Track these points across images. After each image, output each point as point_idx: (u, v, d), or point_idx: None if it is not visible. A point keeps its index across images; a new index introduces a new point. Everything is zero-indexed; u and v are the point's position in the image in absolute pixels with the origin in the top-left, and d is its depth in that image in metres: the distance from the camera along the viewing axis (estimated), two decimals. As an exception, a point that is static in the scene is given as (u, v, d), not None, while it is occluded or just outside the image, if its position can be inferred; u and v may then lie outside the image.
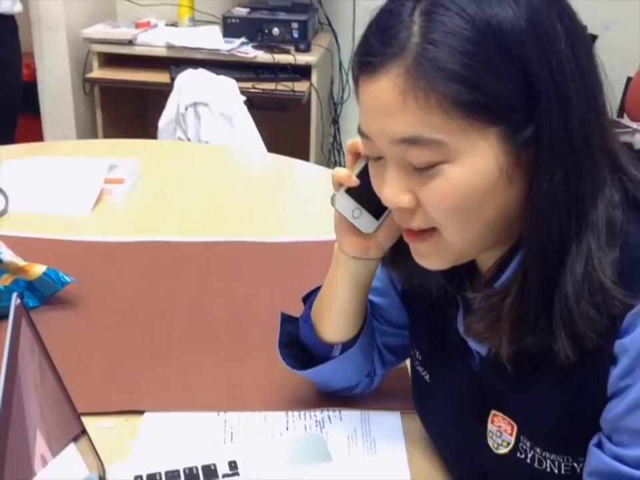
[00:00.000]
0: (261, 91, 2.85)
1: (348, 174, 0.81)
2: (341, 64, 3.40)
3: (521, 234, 0.70)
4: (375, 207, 0.81)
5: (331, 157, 3.54)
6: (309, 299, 0.97)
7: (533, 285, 0.68)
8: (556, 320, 0.67)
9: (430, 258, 0.73)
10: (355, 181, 0.80)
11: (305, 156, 2.99)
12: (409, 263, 0.78)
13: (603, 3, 3.17)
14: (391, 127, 0.66)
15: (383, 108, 0.66)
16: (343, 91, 3.45)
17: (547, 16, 0.64)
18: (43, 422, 0.72)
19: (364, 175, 0.78)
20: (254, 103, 3.07)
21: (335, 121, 3.50)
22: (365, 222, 0.83)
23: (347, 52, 3.36)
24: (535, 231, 0.67)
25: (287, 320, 0.98)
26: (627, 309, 0.65)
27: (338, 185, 0.82)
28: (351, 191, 0.82)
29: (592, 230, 0.67)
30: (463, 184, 0.66)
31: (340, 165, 3.42)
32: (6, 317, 0.71)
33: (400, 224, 0.73)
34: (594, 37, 3.28)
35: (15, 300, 0.74)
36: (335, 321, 0.92)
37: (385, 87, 0.65)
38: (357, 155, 0.82)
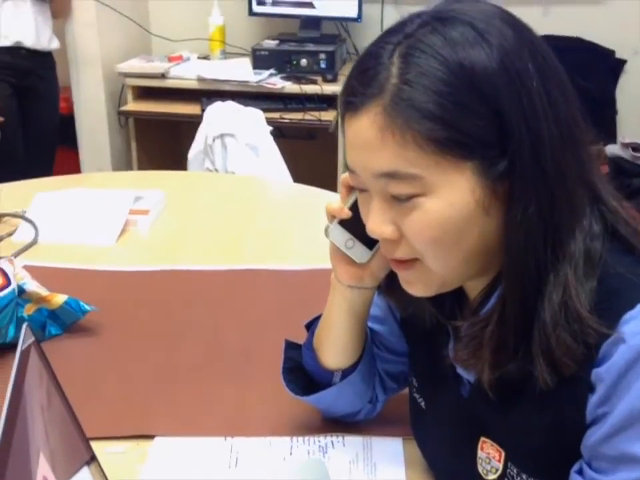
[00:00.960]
0: (288, 120, 2.91)
1: (340, 206, 0.84)
2: (369, 93, 3.43)
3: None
4: (368, 238, 0.84)
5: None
6: (312, 326, 1.00)
7: (512, 314, 0.70)
8: (535, 347, 0.69)
9: (415, 285, 0.76)
10: (347, 213, 0.84)
11: (333, 184, 3.03)
12: (402, 291, 0.80)
13: (633, 28, 3.17)
14: (371, 162, 0.69)
15: (364, 144, 0.69)
16: (372, 119, 3.48)
17: (518, 56, 0.67)
18: (47, 446, 0.76)
19: (356, 207, 0.82)
20: (284, 132, 3.14)
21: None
22: (359, 252, 0.86)
23: (375, 81, 3.39)
24: (511, 261, 0.70)
25: (290, 347, 1.02)
26: (603, 338, 0.67)
27: (331, 217, 0.86)
28: (344, 223, 0.85)
29: (569, 260, 0.69)
30: (440, 216, 0.68)
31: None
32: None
33: (386, 255, 0.76)
34: (623, 62, 3.28)
35: (24, 328, 0.79)
36: (334, 348, 0.95)
37: (365, 124, 0.68)
38: (350, 188, 0.85)
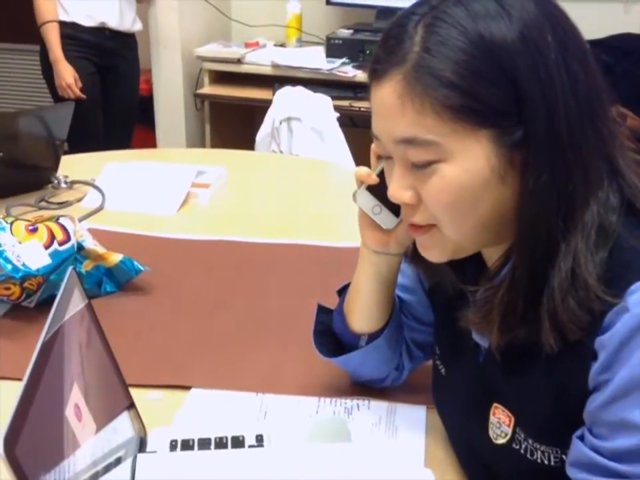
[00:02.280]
0: (357, 109, 2.94)
1: (368, 172, 0.88)
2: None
3: None
4: (395, 205, 0.87)
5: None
6: (343, 292, 1.04)
7: (521, 280, 0.73)
8: (542, 312, 0.72)
9: (431, 250, 0.79)
10: (374, 179, 0.87)
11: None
12: (427, 260, 0.83)
13: None
14: (392, 129, 0.73)
15: (385, 111, 0.73)
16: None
17: (538, 29, 0.69)
18: (82, 379, 0.82)
19: (384, 174, 0.85)
20: (355, 122, 3.17)
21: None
22: (385, 218, 0.89)
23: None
24: (522, 229, 0.72)
25: (322, 311, 1.06)
26: (608, 307, 0.68)
27: (360, 182, 0.89)
28: (372, 189, 0.88)
29: (581, 230, 0.71)
30: (456, 182, 0.71)
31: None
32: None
33: (405, 219, 0.79)
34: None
35: (69, 271, 0.85)
36: (361, 312, 0.98)
37: (387, 92, 0.72)
38: (379, 157, 0.88)
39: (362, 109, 2.95)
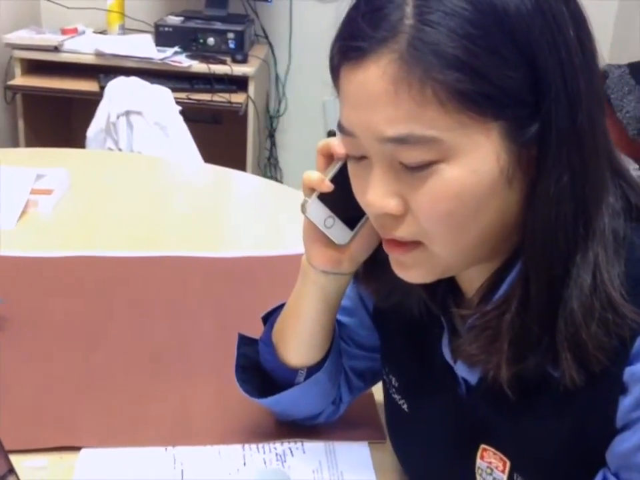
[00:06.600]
0: (195, 101, 2.74)
1: (321, 178, 0.72)
2: (277, 77, 3.32)
3: (518, 244, 0.63)
4: (349, 215, 0.73)
5: (267, 171, 3.45)
6: (269, 318, 0.88)
7: (536, 299, 0.61)
8: (560, 339, 0.60)
9: (413, 270, 0.65)
10: (329, 186, 0.72)
11: (241, 170, 2.89)
12: (386, 278, 0.70)
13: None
14: (379, 123, 0.58)
15: (371, 100, 0.58)
16: (279, 104, 3.38)
17: None
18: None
19: (338, 179, 0.71)
20: (188, 115, 2.95)
21: (271, 135, 3.42)
22: (339, 232, 0.74)
23: (283, 65, 3.29)
24: (538, 239, 0.60)
25: (244, 342, 0.89)
26: (637, 329, 0.58)
27: (309, 190, 0.73)
28: (323, 197, 0.73)
29: (599, 239, 0.60)
30: (460, 185, 0.58)
31: (275, 180, 3.33)
32: None
33: (381, 233, 0.65)
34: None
35: None
36: (300, 342, 0.83)
37: (374, 75, 0.57)
38: (329, 157, 0.73)
39: (201, 102, 2.75)
